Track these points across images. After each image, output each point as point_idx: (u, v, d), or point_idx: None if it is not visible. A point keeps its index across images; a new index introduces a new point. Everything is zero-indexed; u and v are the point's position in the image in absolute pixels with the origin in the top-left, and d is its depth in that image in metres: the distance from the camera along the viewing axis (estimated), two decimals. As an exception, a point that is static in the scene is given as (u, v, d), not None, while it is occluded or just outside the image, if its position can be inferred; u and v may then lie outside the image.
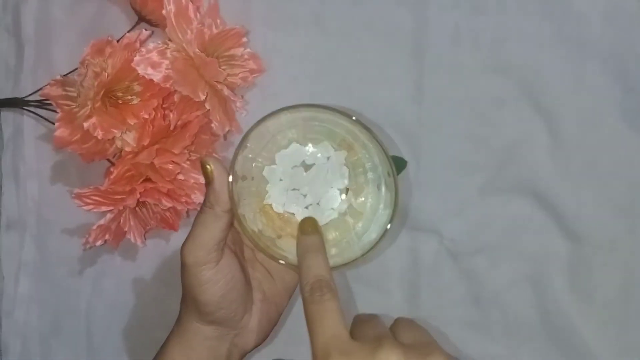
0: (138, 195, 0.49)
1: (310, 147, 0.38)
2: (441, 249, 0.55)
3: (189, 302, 0.42)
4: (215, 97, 0.50)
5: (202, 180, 0.53)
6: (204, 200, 0.40)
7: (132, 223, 0.52)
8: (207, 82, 0.49)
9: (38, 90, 0.52)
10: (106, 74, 0.47)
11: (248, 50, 0.53)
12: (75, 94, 0.48)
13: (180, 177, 0.52)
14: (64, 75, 0.50)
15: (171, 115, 0.50)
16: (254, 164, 0.38)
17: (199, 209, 0.53)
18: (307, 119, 0.37)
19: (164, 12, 0.47)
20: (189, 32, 0.48)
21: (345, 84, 0.56)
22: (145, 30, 0.51)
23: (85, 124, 0.48)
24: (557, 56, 0.55)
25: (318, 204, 0.38)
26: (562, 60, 0.55)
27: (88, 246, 0.50)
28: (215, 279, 0.41)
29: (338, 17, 0.56)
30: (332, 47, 0.56)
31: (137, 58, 0.48)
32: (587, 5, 0.55)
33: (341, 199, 0.38)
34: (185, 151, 0.51)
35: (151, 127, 0.50)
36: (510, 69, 0.55)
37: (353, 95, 0.56)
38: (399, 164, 0.53)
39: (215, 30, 0.50)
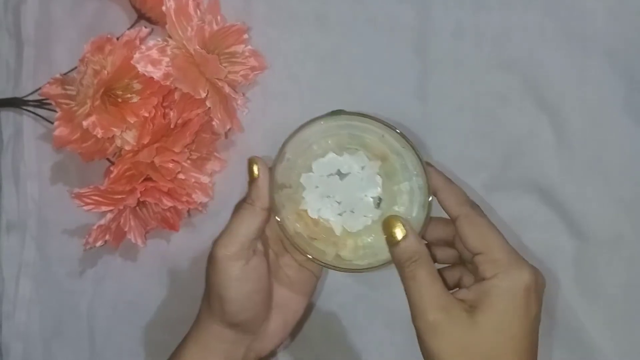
0: (138, 195, 0.49)
1: (345, 157, 0.39)
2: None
3: (213, 301, 0.42)
4: (216, 94, 0.50)
5: (202, 179, 0.53)
6: (245, 197, 0.41)
7: (132, 223, 0.51)
8: (207, 80, 0.49)
9: (38, 90, 0.51)
10: (106, 72, 0.47)
11: (249, 47, 0.52)
12: (74, 93, 0.48)
13: (181, 176, 0.52)
14: (64, 74, 0.50)
15: (171, 113, 0.50)
16: (292, 172, 0.40)
17: (200, 208, 0.53)
18: (342, 127, 0.39)
19: (164, 8, 0.47)
20: (189, 29, 0.48)
21: (347, 81, 0.56)
22: (145, 27, 0.50)
23: (85, 123, 0.47)
24: (561, 52, 0.55)
25: (352, 211, 0.39)
26: (566, 56, 0.55)
27: (88, 247, 0.50)
28: (244, 277, 0.40)
29: (340, 14, 0.56)
30: (334, 44, 0.56)
31: (136, 55, 0.47)
32: (591, 0, 0.54)
33: (375, 207, 0.39)
34: (186, 150, 0.51)
35: (151, 125, 0.49)
36: (514, 65, 0.55)
37: (355, 93, 0.56)
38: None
39: (215, 27, 0.50)
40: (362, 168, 0.40)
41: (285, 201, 0.40)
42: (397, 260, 0.37)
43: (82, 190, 0.48)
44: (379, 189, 0.39)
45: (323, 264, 0.38)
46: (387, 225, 0.37)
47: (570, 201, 0.54)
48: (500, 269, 0.35)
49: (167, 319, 0.56)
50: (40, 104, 0.54)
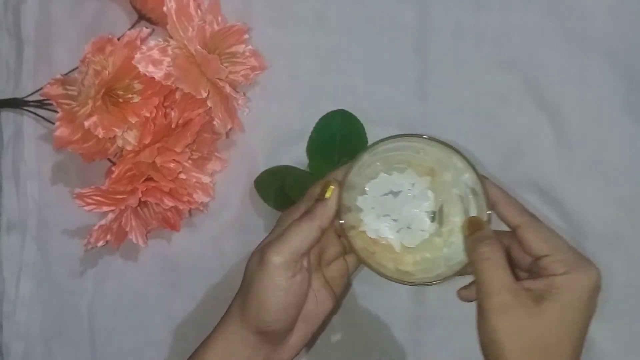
0: (140, 195, 0.49)
1: (395, 175, 0.41)
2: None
3: (250, 305, 0.41)
4: (217, 94, 0.50)
5: (204, 179, 0.53)
6: (308, 211, 0.42)
7: (133, 223, 0.51)
8: (208, 80, 0.49)
9: (38, 90, 0.51)
10: (107, 72, 0.47)
11: (250, 47, 0.52)
12: (75, 93, 0.48)
13: (182, 176, 0.52)
14: (65, 75, 0.50)
15: (173, 113, 0.50)
16: (350, 196, 0.41)
17: (201, 208, 0.53)
18: (390, 150, 0.40)
19: (165, 9, 0.47)
20: (190, 29, 0.48)
21: (347, 81, 0.56)
22: (146, 28, 0.50)
23: (86, 123, 0.47)
24: (561, 52, 0.55)
25: (409, 227, 0.41)
26: (566, 56, 0.55)
27: (90, 247, 0.50)
28: (289, 289, 0.40)
29: (340, 14, 0.56)
30: (334, 44, 0.56)
31: (137, 56, 0.47)
32: (591, 0, 0.55)
33: (430, 221, 0.41)
34: (187, 150, 0.51)
35: (152, 125, 0.49)
36: (514, 65, 0.55)
37: (355, 93, 0.56)
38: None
39: (216, 27, 0.50)
40: (413, 185, 0.41)
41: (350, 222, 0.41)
42: (476, 240, 0.38)
43: (83, 191, 0.48)
44: (432, 204, 0.41)
45: (398, 281, 0.40)
46: (469, 222, 0.39)
47: (570, 200, 0.54)
48: (571, 267, 0.37)
49: (168, 319, 0.56)
50: (40, 104, 0.54)
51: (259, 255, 0.41)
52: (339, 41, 0.56)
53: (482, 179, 0.40)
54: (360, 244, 0.40)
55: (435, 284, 0.39)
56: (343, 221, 0.39)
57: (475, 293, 0.38)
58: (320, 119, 0.53)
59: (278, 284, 0.40)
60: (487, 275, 0.36)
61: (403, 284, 0.39)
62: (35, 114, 0.55)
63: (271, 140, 0.56)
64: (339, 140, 0.53)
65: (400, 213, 0.41)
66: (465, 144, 0.54)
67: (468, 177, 0.40)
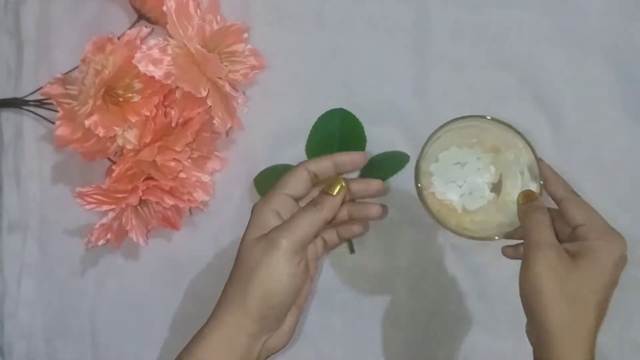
0: (140, 193, 0.49)
1: (465, 149, 0.47)
2: (446, 244, 0.55)
3: (252, 291, 0.42)
4: (216, 93, 0.50)
5: (203, 178, 0.53)
6: (316, 202, 0.44)
7: (134, 222, 0.51)
8: (208, 79, 0.49)
9: (38, 90, 0.52)
10: (107, 72, 0.47)
11: (249, 46, 0.53)
12: (76, 92, 0.48)
13: (182, 175, 0.52)
14: (65, 74, 0.50)
15: (173, 112, 0.50)
16: (426, 162, 0.47)
17: (201, 207, 0.54)
18: (461, 127, 0.46)
19: (164, 8, 0.47)
20: (189, 28, 0.48)
21: (346, 80, 0.56)
22: (145, 27, 0.50)
23: (87, 122, 0.47)
24: (557, 49, 0.55)
25: (470, 193, 0.47)
26: (562, 54, 0.55)
27: (90, 246, 0.50)
28: (294, 274, 0.42)
29: (338, 13, 0.56)
30: (333, 43, 0.56)
31: (137, 55, 0.47)
32: (587, -2, 0.55)
33: (489, 191, 0.47)
34: (187, 148, 0.51)
35: (153, 124, 0.49)
36: (511, 64, 0.55)
37: (354, 92, 0.56)
38: (401, 160, 0.53)
39: (216, 27, 0.50)
40: (478, 159, 0.47)
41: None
42: (530, 207, 0.44)
43: (84, 189, 0.48)
44: (492, 176, 0.47)
45: (456, 233, 0.46)
46: (525, 193, 0.45)
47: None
48: (604, 235, 0.43)
49: (169, 318, 0.56)
50: (40, 104, 0.54)
51: (266, 242, 0.42)
52: (338, 40, 0.56)
53: (538, 159, 0.46)
54: (430, 202, 0.46)
55: (487, 239, 0.46)
56: (420, 184, 0.45)
57: (521, 251, 0.44)
58: (320, 118, 0.54)
59: (286, 270, 0.42)
60: (536, 234, 0.42)
61: (460, 235, 0.45)
62: (35, 113, 0.55)
63: (271, 139, 0.56)
64: (338, 139, 0.53)
65: (465, 181, 0.47)
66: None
67: (526, 156, 0.46)
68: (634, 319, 0.54)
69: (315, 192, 0.47)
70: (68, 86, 0.49)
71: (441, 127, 0.46)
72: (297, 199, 0.46)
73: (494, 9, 0.55)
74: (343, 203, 0.46)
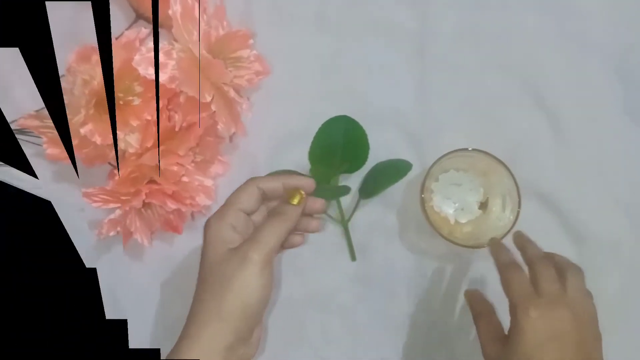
0: (144, 197, 0.49)
1: (460, 173, 0.55)
2: (447, 251, 0.55)
3: (230, 305, 0.42)
4: (221, 98, 0.50)
5: (206, 182, 0.53)
6: (280, 213, 0.45)
7: (138, 224, 0.51)
8: (213, 84, 0.49)
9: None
10: (96, 83, 0.46)
11: (254, 52, 0.52)
12: (52, 125, 0.48)
13: (185, 179, 0.52)
14: (37, 111, 0.49)
15: (176, 116, 0.50)
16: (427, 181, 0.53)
17: (203, 211, 0.53)
18: (459, 155, 0.52)
19: (170, 12, 0.47)
20: (195, 32, 0.48)
21: (348, 85, 0.56)
22: (144, 28, 0.49)
23: (82, 130, 0.47)
24: (559, 53, 0.56)
25: (462, 209, 0.55)
26: (564, 57, 0.56)
27: (102, 237, 0.50)
28: (265, 285, 0.43)
29: (340, 18, 0.56)
30: (335, 48, 0.56)
31: (137, 57, 0.47)
32: (588, 1, 0.55)
33: (477, 208, 0.55)
34: (190, 153, 0.51)
35: (154, 128, 0.49)
36: (513, 67, 0.56)
37: (356, 96, 0.56)
38: (404, 168, 0.53)
39: (221, 32, 0.50)
40: (471, 181, 0.55)
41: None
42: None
43: (89, 190, 0.48)
44: (481, 196, 0.55)
45: (448, 240, 0.51)
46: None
47: (569, 203, 0.55)
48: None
49: (169, 320, 0.56)
50: (20, 131, 0.53)
51: (238, 256, 0.43)
52: (340, 45, 0.56)
53: (517, 186, 0.51)
54: (429, 213, 0.52)
55: (473, 247, 0.51)
56: (424, 195, 0.51)
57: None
58: (323, 125, 0.53)
59: (260, 282, 0.43)
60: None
61: (452, 243, 0.51)
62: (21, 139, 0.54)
63: (273, 144, 0.56)
64: (341, 147, 0.53)
65: (458, 198, 0.55)
66: (465, 146, 0.54)
67: (508, 182, 0.51)
68: (636, 321, 0.55)
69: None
70: (44, 120, 0.48)
71: (444, 155, 0.51)
72: (248, 214, 0.46)
73: (495, 12, 0.56)
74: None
